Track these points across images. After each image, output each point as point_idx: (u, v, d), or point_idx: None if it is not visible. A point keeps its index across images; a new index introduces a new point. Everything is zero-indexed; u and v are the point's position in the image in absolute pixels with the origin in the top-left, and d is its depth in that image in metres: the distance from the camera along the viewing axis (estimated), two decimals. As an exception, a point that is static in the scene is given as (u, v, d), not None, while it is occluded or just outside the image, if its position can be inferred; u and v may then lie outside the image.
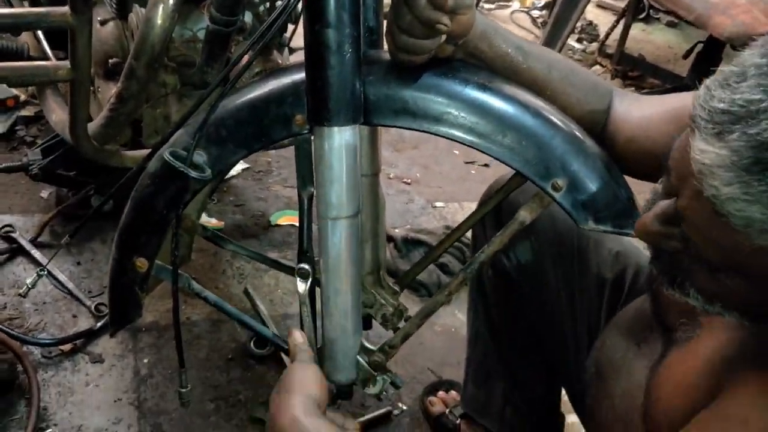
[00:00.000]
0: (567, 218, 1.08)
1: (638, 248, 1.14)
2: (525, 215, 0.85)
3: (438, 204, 2.18)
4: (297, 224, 1.88)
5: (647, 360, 0.83)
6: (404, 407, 1.54)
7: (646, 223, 0.67)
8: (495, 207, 1.01)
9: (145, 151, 1.43)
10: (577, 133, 0.84)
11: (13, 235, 1.75)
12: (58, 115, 1.54)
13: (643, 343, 0.87)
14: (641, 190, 0.74)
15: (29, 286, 1.20)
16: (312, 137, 0.85)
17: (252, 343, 1.59)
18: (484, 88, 0.81)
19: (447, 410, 1.47)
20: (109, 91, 1.39)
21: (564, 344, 1.12)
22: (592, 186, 0.82)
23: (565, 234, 1.09)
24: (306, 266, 0.91)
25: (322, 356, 0.95)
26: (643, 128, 0.85)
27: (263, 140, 0.89)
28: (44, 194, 1.93)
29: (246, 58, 0.88)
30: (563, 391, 1.26)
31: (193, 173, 0.86)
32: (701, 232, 0.59)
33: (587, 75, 0.90)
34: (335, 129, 0.82)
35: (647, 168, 0.83)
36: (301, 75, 0.84)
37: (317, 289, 0.94)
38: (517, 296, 1.16)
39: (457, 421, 1.44)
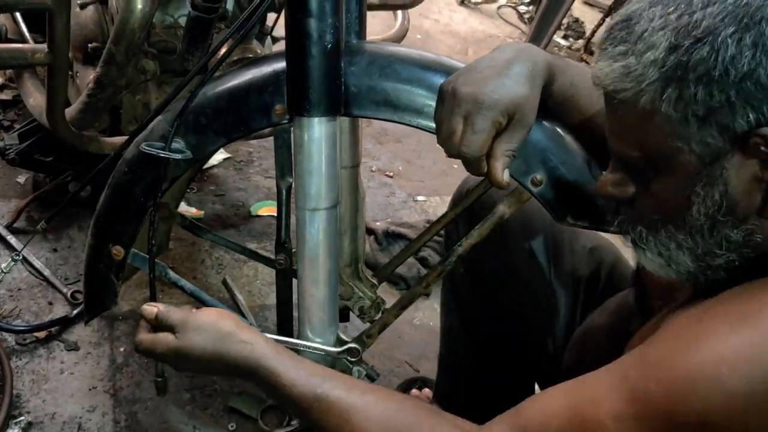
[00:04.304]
0: (540, 215, 1.10)
1: (613, 244, 1.15)
2: (504, 210, 0.85)
3: (419, 198, 2.18)
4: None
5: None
6: (381, 399, 1.54)
7: (603, 178, 0.72)
8: (468, 207, 1.02)
9: (124, 138, 1.42)
10: (558, 129, 0.85)
11: (-12, 220, 1.73)
12: (35, 99, 1.51)
13: (624, 330, 0.87)
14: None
15: (3, 271, 1.19)
16: (292, 128, 0.85)
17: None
18: (465, 81, 0.81)
19: None
20: (87, 76, 1.36)
21: (537, 341, 1.12)
22: (572, 182, 0.82)
23: (538, 232, 1.10)
24: (283, 256, 0.90)
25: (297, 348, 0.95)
26: None
27: (243, 129, 0.88)
28: (21, 179, 1.90)
29: (226, 46, 0.88)
30: (537, 388, 1.27)
31: (175, 156, 0.85)
32: (612, 134, 0.68)
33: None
34: (315, 120, 0.81)
35: None
36: (281, 64, 0.83)
37: (294, 281, 0.94)
38: (490, 293, 1.16)
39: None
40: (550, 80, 0.78)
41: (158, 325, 0.86)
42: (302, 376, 0.78)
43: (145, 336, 0.87)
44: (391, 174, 2.28)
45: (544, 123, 0.83)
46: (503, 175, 0.73)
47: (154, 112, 0.93)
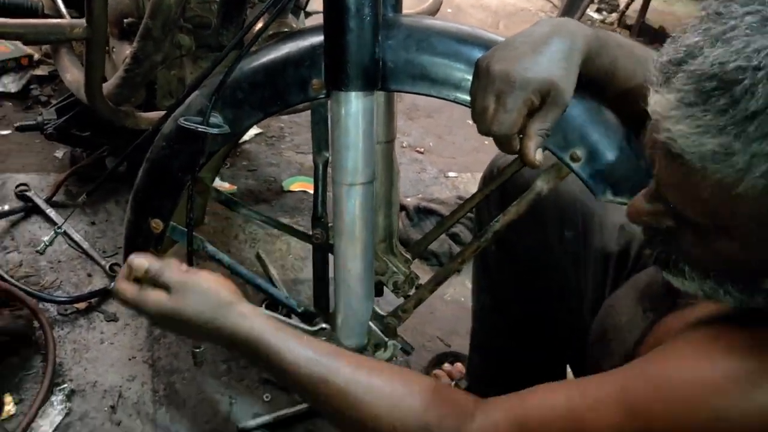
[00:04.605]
0: (571, 193, 1.08)
1: None
2: (542, 185, 0.84)
3: (451, 174, 2.17)
4: (309, 190, 1.88)
5: (648, 323, 0.83)
6: (412, 374, 1.55)
7: (635, 204, 0.68)
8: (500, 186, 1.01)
9: (160, 113, 1.43)
10: (597, 104, 0.83)
11: (28, 194, 1.76)
12: (72, 74, 1.53)
13: (649, 310, 0.86)
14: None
15: (46, 243, 1.22)
16: (329, 102, 0.85)
17: (264, 306, 1.60)
18: (504, 55, 0.80)
19: (452, 383, 1.48)
20: (124, 52, 1.38)
21: (568, 319, 1.12)
22: (611, 157, 0.81)
23: (569, 209, 1.08)
24: (320, 231, 0.91)
25: (333, 322, 0.96)
26: None
27: (279, 104, 0.88)
28: (59, 154, 1.94)
29: (262, 20, 0.88)
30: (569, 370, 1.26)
31: (213, 130, 0.86)
32: (676, 190, 0.60)
33: (636, 48, 0.87)
34: (352, 94, 0.81)
35: None
36: (319, 38, 0.83)
37: (330, 256, 0.95)
38: (522, 272, 1.16)
39: (465, 393, 1.45)
40: (589, 56, 0.75)
41: (147, 280, 0.80)
42: (307, 356, 0.75)
43: (128, 286, 0.81)
44: (422, 150, 2.27)
45: (584, 97, 0.82)
46: (536, 155, 0.72)
47: (191, 87, 0.94)
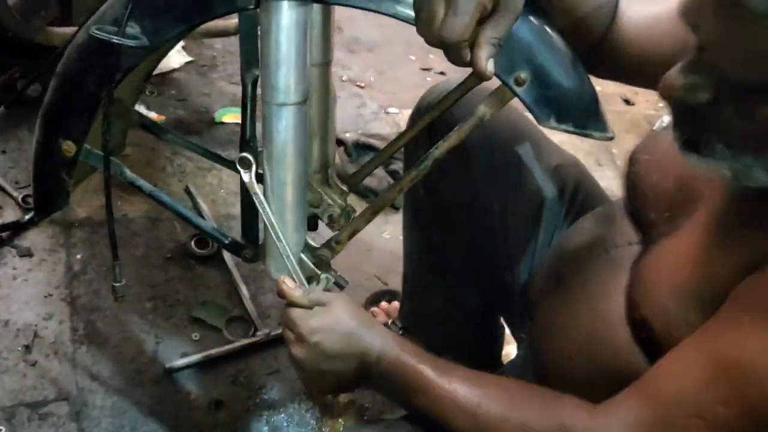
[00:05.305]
0: (503, 134, 1.05)
1: (579, 161, 1.12)
2: (484, 110, 0.80)
3: (391, 110, 2.11)
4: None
5: (625, 260, 0.80)
6: (348, 311, 1.53)
7: (669, 79, 0.63)
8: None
9: (75, 29, 1.31)
10: (544, 26, 0.79)
11: (-71, 119, 1.61)
12: (-25, -16, 1.38)
13: (612, 248, 0.85)
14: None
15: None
16: (259, 12, 0.77)
17: (192, 243, 1.53)
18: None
19: (389, 321, 1.46)
20: (32, -42, 1.24)
21: (500, 263, 1.10)
22: (558, 82, 0.77)
23: (500, 152, 1.05)
24: (249, 155, 0.84)
25: (263, 253, 0.91)
26: (650, 27, 0.82)
27: (204, 13, 0.80)
28: (-36, 77, 1.77)
29: None
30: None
31: (129, 42, 0.77)
32: (727, 48, 0.57)
33: None
34: (285, 3, 0.74)
35: (646, 71, 0.80)
36: (247, -62, 0.75)
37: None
38: (450, 216, 1.13)
39: (399, 333, 1.43)
40: None
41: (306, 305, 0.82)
42: (461, 389, 0.75)
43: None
44: (363, 84, 2.19)
45: (530, 18, 0.77)
46: (487, 65, 0.67)
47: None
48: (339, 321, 0.80)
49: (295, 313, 0.81)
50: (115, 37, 0.80)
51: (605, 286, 0.81)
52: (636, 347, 0.75)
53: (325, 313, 0.81)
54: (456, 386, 0.76)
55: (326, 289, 0.91)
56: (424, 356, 0.79)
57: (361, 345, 0.79)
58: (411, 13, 0.73)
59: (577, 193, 1.06)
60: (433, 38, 0.66)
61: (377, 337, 0.80)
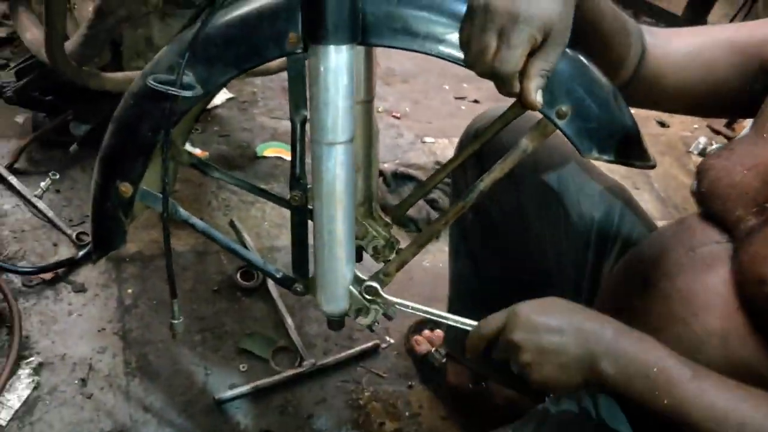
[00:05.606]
0: (550, 160, 1.06)
1: (624, 186, 1.12)
2: (527, 143, 0.82)
3: (428, 139, 2.14)
4: (284, 156, 1.84)
5: (718, 257, 0.80)
6: (392, 341, 1.54)
7: None
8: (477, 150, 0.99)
9: (127, 74, 1.37)
10: (582, 58, 0.81)
11: (-12, 161, 1.69)
12: (32, 33, 1.45)
13: (699, 247, 0.84)
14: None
15: (43, 189, 1.45)
16: (306, 57, 0.81)
17: (238, 275, 1.57)
18: (490, 6, 0.76)
19: (433, 349, 1.47)
20: (86, 8, 1.31)
21: (548, 286, 1.10)
22: (598, 114, 0.79)
23: (547, 176, 1.06)
24: (300, 192, 0.87)
25: (314, 286, 0.93)
26: (691, 58, 0.84)
27: (254, 59, 0.84)
28: (20, 119, 1.85)
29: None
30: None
31: (185, 93, 0.81)
32: None
33: (617, 12, 0.85)
34: (331, 48, 0.77)
35: (688, 101, 0.84)
36: (295, -12, 0.78)
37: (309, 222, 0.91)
38: (500, 239, 1.14)
39: (443, 360, 1.44)
40: None
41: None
42: (720, 396, 0.71)
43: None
44: (399, 115, 2.23)
45: (567, 51, 0.79)
46: (536, 96, 0.69)
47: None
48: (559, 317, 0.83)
49: (518, 335, 0.83)
50: (172, 89, 0.83)
51: (697, 281, 0.81)
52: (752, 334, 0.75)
53: (537, 315, 0.83)
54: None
55: (375, 322, 0.93)
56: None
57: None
58: (455, 52, 0.76)
59: (624, 216, 1.07)
60: (486, 70, 0.68)
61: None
